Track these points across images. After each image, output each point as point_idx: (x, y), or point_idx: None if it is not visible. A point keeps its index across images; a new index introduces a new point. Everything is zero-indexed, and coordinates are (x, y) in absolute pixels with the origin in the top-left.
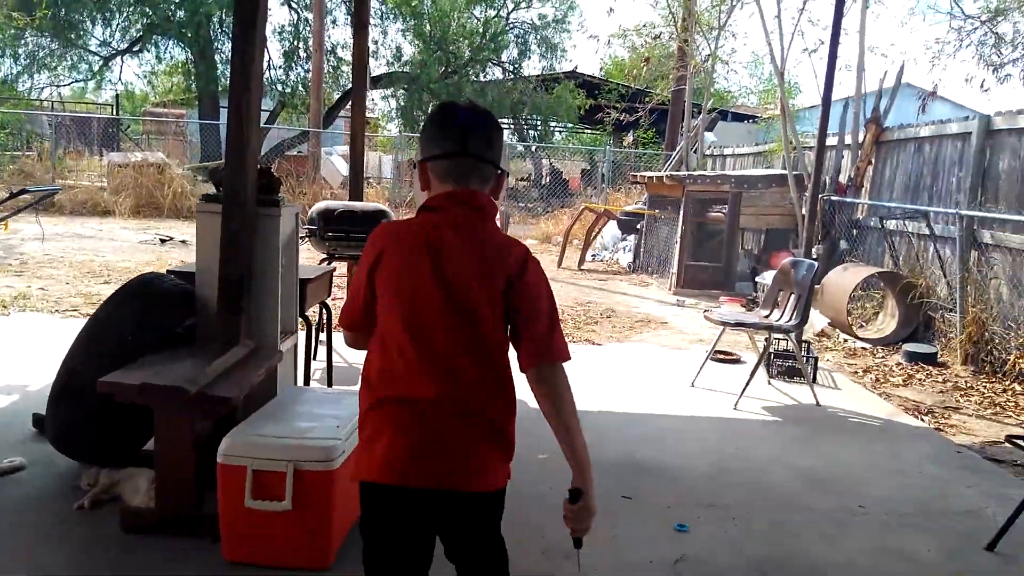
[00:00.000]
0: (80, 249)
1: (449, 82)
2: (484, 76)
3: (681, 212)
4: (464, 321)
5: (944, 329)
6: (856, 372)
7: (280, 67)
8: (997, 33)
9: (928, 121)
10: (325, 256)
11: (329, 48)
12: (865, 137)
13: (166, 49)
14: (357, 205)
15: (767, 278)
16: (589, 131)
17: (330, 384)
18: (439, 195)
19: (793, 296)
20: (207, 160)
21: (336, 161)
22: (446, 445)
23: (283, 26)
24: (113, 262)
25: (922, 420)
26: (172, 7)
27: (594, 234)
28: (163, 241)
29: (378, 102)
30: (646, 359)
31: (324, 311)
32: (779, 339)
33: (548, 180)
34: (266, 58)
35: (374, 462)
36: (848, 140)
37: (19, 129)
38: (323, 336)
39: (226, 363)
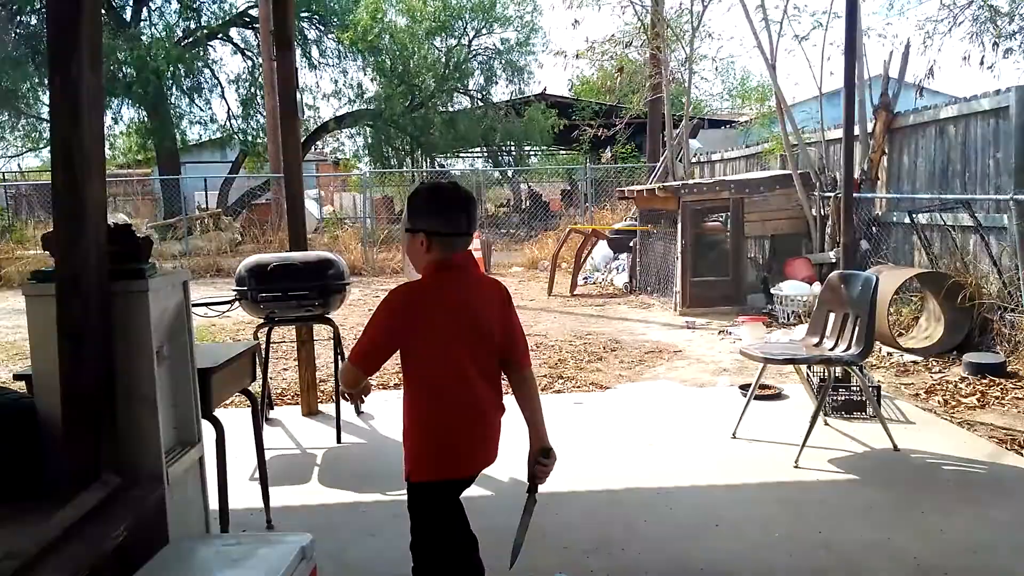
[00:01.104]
0: (17, 327)
1: (416, 115)
2: (452, 106)
3: (679, 225)
4: (493, 343)
5: (1006, 333)
6: (918, 395)
7: (239, 116)
8: (992, 6)
9: (950, 100)
10: (263, 320)
11: None
12: (875, 126)
13: (119, 108)
14: (296, 256)
15: (783, 289)
16: (565, 151)
17: (265, 496)
18: (452, 257)
19: (851, 319)
20: (169, 218)
21: (309, 204)
22: (495, 434)
23: (239, 74)
24: None
25: None
26: (119, 66)
27: (584, 256)
28: None
29: (345, 142)
30: (668, 402)
31: (250, 401)
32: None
33: (528, 204)
34: (224, 108)
35: (462, 459)
36: (856, 131)
37: None
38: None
39: (62, 523)
